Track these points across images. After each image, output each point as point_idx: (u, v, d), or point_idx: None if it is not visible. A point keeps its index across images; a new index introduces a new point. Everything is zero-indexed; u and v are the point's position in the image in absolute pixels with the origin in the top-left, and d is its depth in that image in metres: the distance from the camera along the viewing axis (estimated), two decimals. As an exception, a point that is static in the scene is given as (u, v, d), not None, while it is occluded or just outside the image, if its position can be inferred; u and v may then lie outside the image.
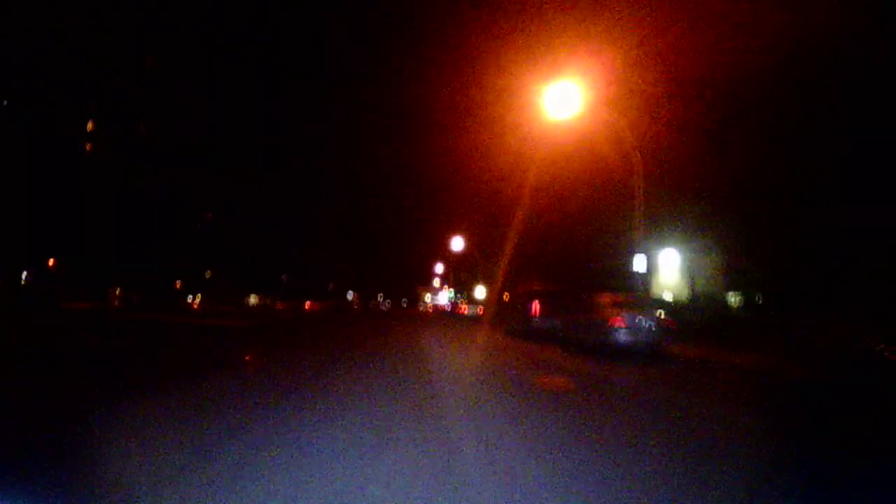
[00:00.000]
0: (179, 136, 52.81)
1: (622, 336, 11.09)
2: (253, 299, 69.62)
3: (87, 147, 44.52)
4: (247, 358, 10.50)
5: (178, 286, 48.19)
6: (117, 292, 36.96)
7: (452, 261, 53.10)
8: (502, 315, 22.97)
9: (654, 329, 11.25)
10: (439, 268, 69.76)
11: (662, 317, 12.07)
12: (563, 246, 21.95)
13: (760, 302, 23.11)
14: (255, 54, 76.42)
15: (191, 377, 7.59)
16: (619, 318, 11.14)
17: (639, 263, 16.16)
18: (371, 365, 8.93)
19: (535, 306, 14.81)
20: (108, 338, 13.61)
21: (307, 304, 58.11)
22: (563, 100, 15.54)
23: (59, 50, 42.57)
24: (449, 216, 45.09)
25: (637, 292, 15.70)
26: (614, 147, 18.80)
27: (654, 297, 18.99)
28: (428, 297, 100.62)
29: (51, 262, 34.91)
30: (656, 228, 22.01)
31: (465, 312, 34.66)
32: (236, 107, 63.18)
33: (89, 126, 46.37)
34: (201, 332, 16.92)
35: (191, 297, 57.49)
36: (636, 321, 11.22)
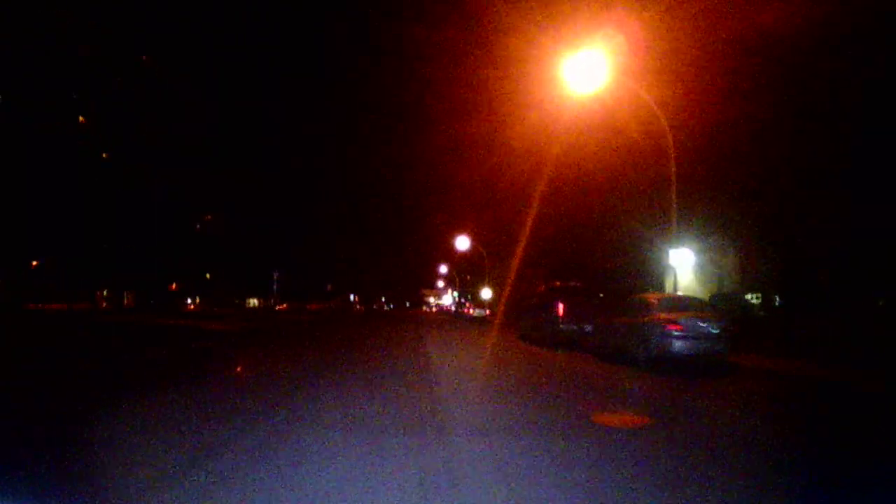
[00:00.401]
0: (179, 136, 50.75)
1: (682, 344, 8.54)
2: (254, 301, 67.46)
3: (83, 144, 42.40)
4: (237, 369, 8.54)
5: (173, 287, 45.77)
6: (105, 293, 34.53)
7: (457, 261, 50.54)
8: (515, 317, 20.44)
9: (720, 335, 8.71)
10: (443, 269, 67.15)
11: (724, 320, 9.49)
12: (583, 240, 19.48)
13: (778, 303, 21.38)
14: (255, 54, 74.25)
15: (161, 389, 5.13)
16: (677, 322, 8.59)
17: (675, 258, 13.76)
18: (367, 387, 6.40)
19: (561, 307, 12.26)
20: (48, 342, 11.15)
21: (308, 306, 55.73)
22: (585, 72, 13.08)
23: (59, 50, 40.94)
24: (453, 215, 42.53)
25: (673, 291, 13.32)
26: (642, 127, 16.29)
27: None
28: (431, 300, 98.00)
29: (34, 262, 32.57)
30: (670, 225, 19.91)
31: (472, 314, 32.14)
32: (236, 107, 60.84)
33: (84, 123, 44.41)
34: (190, 337, 14.40)
35: (189, 299, 55.24)
36: (698, 326, 8.67)
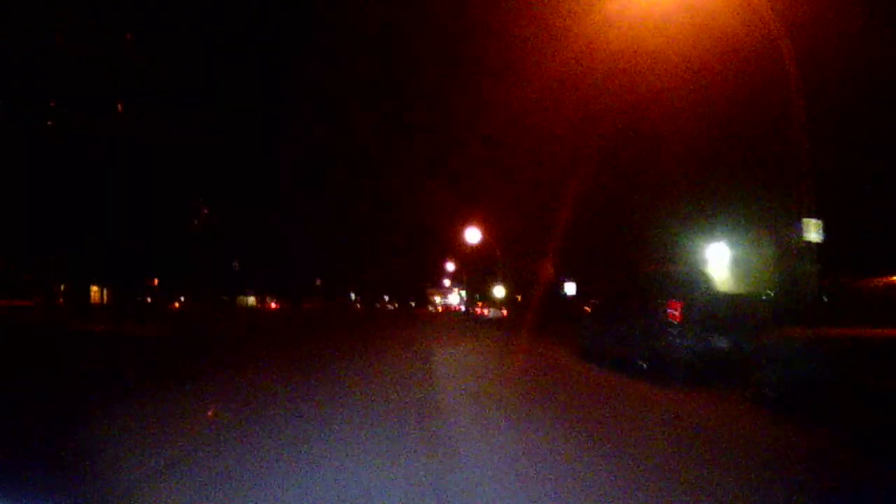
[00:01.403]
0: (179, 134, 45.87)
1: None
2: (251, 300, 62.51)
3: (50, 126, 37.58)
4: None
5: (154, 283, 40.58)
6: (61, 288, 29.36)
7: (465, 257, 44.97)
8: (551, 321, 14.93)
9: None
10: (449, 266, 61.51)
11: None
12: (651, 217, 14.15)
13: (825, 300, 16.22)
14: (255, 54, 68.79)
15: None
16: None
17: (808, 231, 8.49)
18: None
19: (678, 309, 6.63)
20: None
21: (304, 305, 50.60)
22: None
23: (56, 49, 37.44)
24: (464, 204, 36.96)
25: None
26: (749, 39, 10.61)
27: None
28: (437, 299, 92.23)
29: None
30: (702, 218, 15.12)
31: (487, 315, 26.71)
32: (236, 107, 55.53)
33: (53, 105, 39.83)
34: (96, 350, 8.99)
35: (181, 296, 50.31)
36: None
